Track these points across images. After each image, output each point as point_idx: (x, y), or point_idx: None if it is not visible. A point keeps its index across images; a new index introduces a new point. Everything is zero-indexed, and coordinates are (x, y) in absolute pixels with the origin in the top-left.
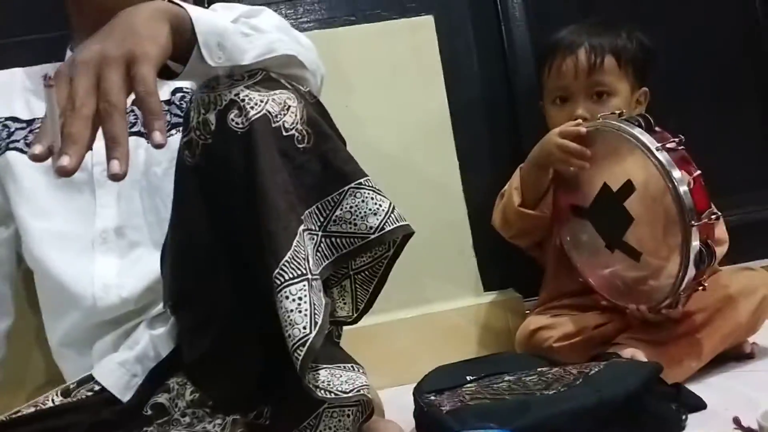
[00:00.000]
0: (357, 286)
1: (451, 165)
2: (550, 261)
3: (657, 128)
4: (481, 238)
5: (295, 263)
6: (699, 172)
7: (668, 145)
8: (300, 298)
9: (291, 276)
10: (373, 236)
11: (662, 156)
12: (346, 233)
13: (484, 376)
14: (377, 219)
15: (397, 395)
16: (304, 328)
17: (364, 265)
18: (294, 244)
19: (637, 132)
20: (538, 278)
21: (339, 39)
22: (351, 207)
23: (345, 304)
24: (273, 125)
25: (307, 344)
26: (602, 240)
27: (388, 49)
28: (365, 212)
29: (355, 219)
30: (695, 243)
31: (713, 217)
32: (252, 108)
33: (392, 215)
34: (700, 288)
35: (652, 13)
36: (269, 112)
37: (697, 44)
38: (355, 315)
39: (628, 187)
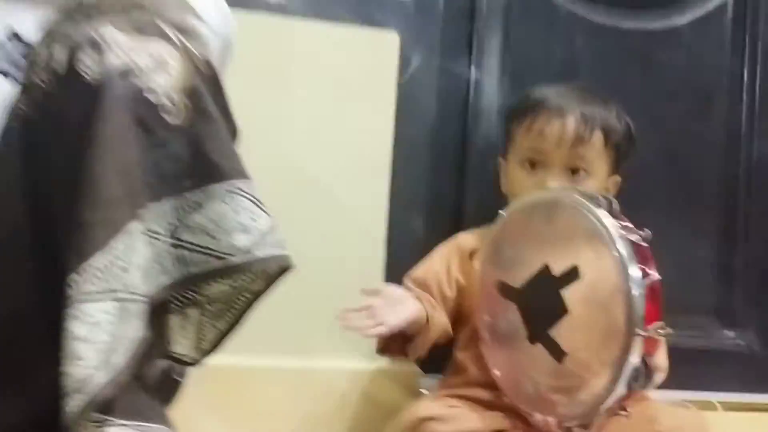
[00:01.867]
0: (205, 319)
1: (378, 204)
2: (461, 340)
3: (622, 216)
4: None
5: (104, 272)
6: (659, 277)
7: (631, 237)
8: (97, 324)
9: (92, 289)
10: (235, 260)
11: (623, 247)
12: (201, 248)
13: None
14: (247, 239)
15: None
16: (94, 368)
17: (220, 294)
18: (111, 244)
19: (600, 213)
20: (446, 353)
21: (287, 30)
22: (216, 214)
23: (185, 339)
24: (135, 82)
25: (89, 390)
26: (525, 329)
27: (341, 56)
28: (233, 226)
29: (217, 231)
30: (635, 358)
31: (661, 332)
32: (114, 53)
33: (269, 238)
34: (623, 413)
35: (634, 101)
36: (136, 63)
37: (672, 146)
38: (195, 356)
39: (572, 274)
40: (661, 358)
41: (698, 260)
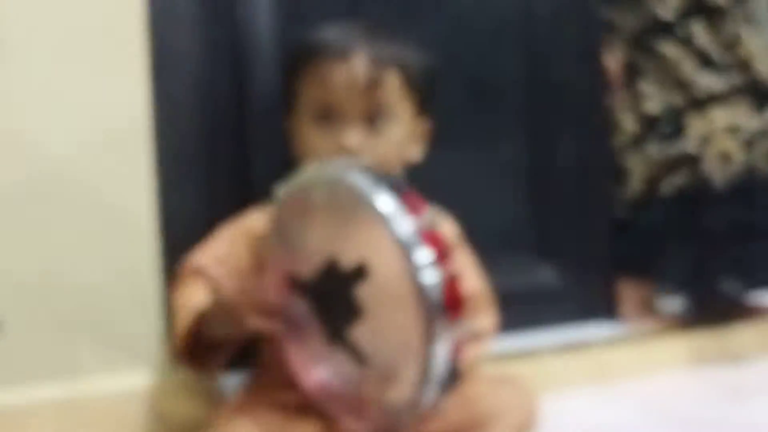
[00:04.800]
0: None
1: (142, 185)
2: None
3: (410, 195)
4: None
5: None
6: (454, 271)
7: (418, 222)
8: None
9: None
10: None
11: (407, 234)
12: None
13: None
14: None
15: None
16: None
17: None
18: None
19: (381, 199)
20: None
21: None
22: None
23: None
24: None
25: None
26: (322, 330)
27: None
28: None
29: None
30: (438, 370)
31: (465, 333)
32: None
33: None
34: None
35: (428, 34)
36: None
37: (473, 76)
38: None
39: (360, 271)
40: (487, 321)
41: (512, 196)
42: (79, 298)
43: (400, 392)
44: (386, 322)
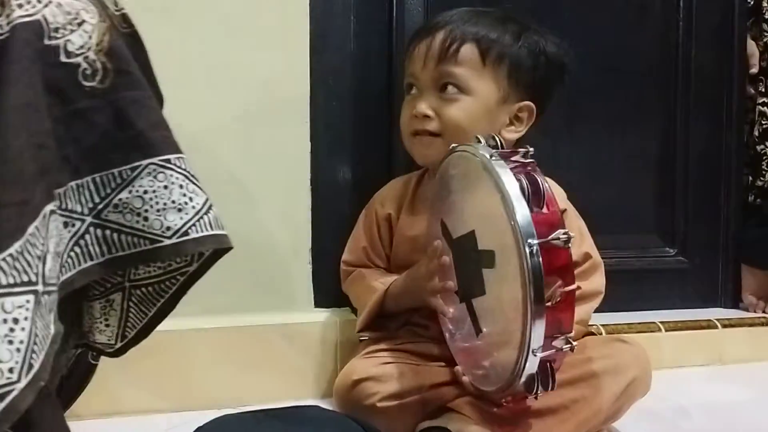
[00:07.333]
0: (131, 305)
1: (300, 146)
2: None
3: (548, 200)
4: (324, 240)
5: (22, 262)
6: (575, 286)
7: (555, 241)
8: (16, 321)
9: (11, 281)
10: (167, 241)
11: (533, 261)
12: (129, 229)
13: None
14: (181, 218)
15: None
16: (11, 371)
17: (148, 277)
18: (30, 230)
19: (524, 224)
20: None
21: None
22: (146, 192)
23: (107, 326)
24: (46, 42)
25: (8, 400)
26: (456, 281)
27: None
28: (166, 204)
29: (147, 210)
30: (531, 372)
31: (566, 348)
32: (21, 5)
33: (206, 217)
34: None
35: (567, 16)
36: (45, 19)
37: (608, 60)
38: (119, 344)
39: (489, 258)
40: (595, 284)
41: (640, 179)
42: (240, 243)
43: (502, 367)
44: (502, 304)
